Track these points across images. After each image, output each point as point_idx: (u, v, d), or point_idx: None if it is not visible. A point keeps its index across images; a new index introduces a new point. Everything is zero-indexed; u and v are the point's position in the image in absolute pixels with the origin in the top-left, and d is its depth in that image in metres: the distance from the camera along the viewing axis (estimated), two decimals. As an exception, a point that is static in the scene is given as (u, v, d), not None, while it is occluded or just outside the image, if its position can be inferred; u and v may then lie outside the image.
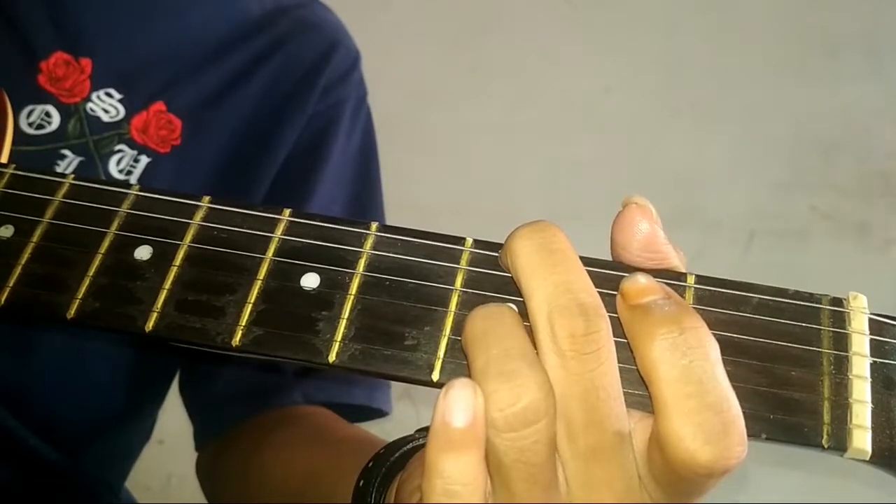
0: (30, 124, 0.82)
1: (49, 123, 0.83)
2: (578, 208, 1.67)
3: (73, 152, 0.83)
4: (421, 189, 2.04)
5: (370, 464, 0.61)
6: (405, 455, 0.60)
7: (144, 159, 0.85)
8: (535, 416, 0.42)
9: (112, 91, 0.85)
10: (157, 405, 0.99)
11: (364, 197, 0.96)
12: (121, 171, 0.84)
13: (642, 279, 0.45)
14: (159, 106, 0.86)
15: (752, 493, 1.83)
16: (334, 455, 0.77)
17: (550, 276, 0.44)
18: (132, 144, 0.85)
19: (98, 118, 0.84)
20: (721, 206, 2.24)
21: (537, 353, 0.44)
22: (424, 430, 0.59)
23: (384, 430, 0.76)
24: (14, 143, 0.71)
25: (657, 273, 0.47)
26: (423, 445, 0.57)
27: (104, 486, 0.96)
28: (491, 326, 0.44)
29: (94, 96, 0.84)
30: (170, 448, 1.34)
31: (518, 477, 0.43)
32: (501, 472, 0.43)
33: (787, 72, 2.45)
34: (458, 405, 0.42)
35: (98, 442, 0.93)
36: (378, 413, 0.93)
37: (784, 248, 2.23)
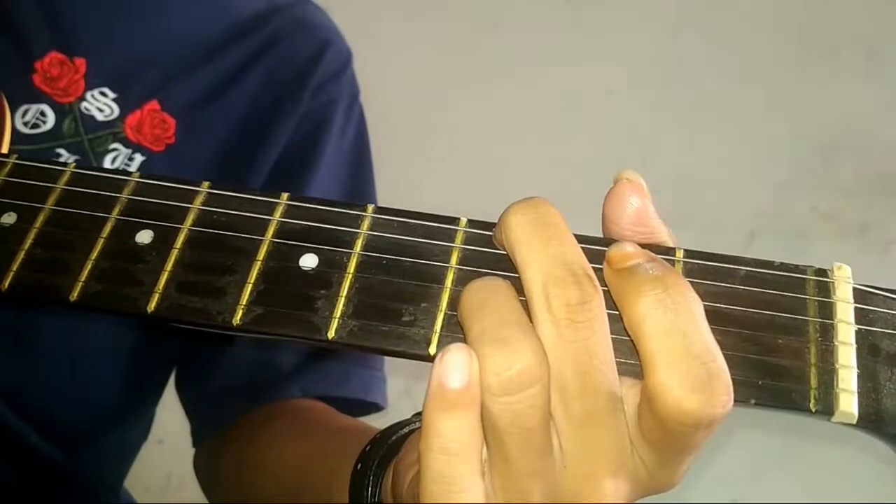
0: (25, 124, 0.83)
1: (44, 123, 0.84)
2: (578, 208, 1.66)
3: (68, 151, 0.84)
4: (420, 189, 2.04)
5: (367, 447, 0.62)
6: (402, 438, 0.61)
7: (139, 158, 0.86)
8: (529, 381, 0.43)
9: (106, 90, 0.86)
10: (154, 402, 0.99)
11: (357, 195, 0.96)
12: None
13: (628, 246, 0.46)
14: (153, 105, 0.87)
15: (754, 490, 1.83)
16: (330, 444, 0.77)
17: (545, 248, 0.45)
18: (126, 143, 0.85)
19: (92, 117, 0.85)
20: (721, 206, 2.25)
21: (532, 324, 0.44)
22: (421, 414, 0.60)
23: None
24: (10, 142, 0.72)
25: (647, 247, 0.48)
26: (419, 429, 0.58)
27: (103, 485, 0.97)
28: (486, 297, 0.45)
29: (88, 95, 0.85)
30: (169, 448, 1.34)
31: (513, 442, 0.44)
32: (497, 437, 0.44)
33: (787, 72, 2.45)
34: (453, 367, 0.43)
35: (97, 439, 0.93)
36: (374, 407, 0.94)
37: (784, 248, 2.23)
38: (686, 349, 0.43)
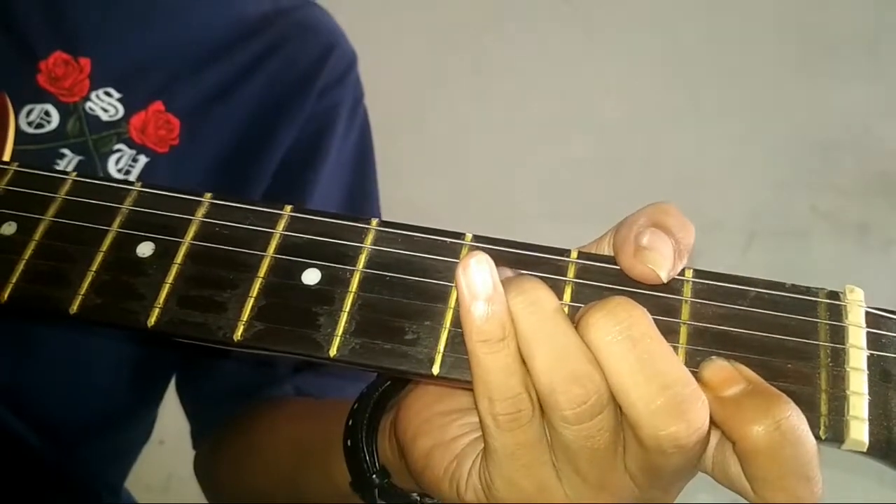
0: (29, 123, 0.82)
1: (48, 122, 0.83)
2: (578, 208, 1.67)
3: (73, 151, 0.83)
4: (421, 189, 2.04)
5: (349, 422, 0.62)
6: (380, 401, 0.62)
7: (143, 159, 0.85)
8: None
9: (111, 90, 0.85)
10: (155, 404, 0.99)
11: (360, 198, 0.96)
12: (119, 171, 0.84)
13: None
14: (158, 106, 0.86)
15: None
16: (321, 424, 0.76)
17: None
18: (131, 144, 0.85)
19: (97, 117, 0.84)
20: (721, 206, 2.24)
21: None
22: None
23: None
24: (14, 142, 0.72)
25: None
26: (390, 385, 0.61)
27: (104, 486, 0.97)
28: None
29: (93, 95, 0.85)
30: (170, 448, 1.33)
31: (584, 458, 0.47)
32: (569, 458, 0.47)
33: (787, 72, 2.44)
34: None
35: (98, 441, 0.93)
36: None
37: (784, 248, 2.22)
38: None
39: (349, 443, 0.62)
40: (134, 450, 1.02)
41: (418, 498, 0.61)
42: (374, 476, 0.61)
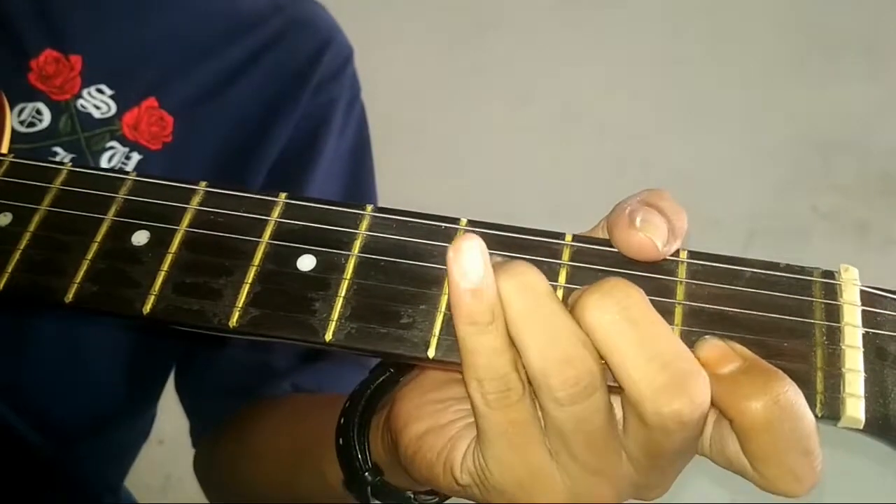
0: (21, 122, 0.82)
1: (40, 121, 0.83)
2: (578, 208, 1.66)
3: (65, 149, 0.83)
4: (420, 189, 2.03)
5: (341, 420, 0.62)
6: (372, 398, 0.62)
7: (136, 156, 0.85)
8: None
9: (103, 87, 0.85)
10: (154, 401, 0.99)
11: (357, 195, 0.96)
12: (112, 168, 0.84)
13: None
14: (151, 102, 0.86)
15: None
16: (315, 423, 0.76)
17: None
18: (124, 141, 0.85)
19: (89, 114, 0.84)
20: (721, 206, 2.24)
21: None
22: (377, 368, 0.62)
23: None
24: (10, 140, 0.72)
25: None
26: (384, 379, 0.61)
27: (103, 485, 0.97)
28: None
29: (84, 93, 0.84)
30: (169, 448, 1.34)
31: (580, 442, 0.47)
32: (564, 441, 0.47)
33: (787, 72, 2.45)
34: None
35: (97, 439, 0.93)
36: None
37: (784, 248, 2.23)
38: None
39: (341, 441, 0.61)
40: (133, 449, 1.02)
41: (412, 496, 0.60)
42: (366, 474, 0.60)
